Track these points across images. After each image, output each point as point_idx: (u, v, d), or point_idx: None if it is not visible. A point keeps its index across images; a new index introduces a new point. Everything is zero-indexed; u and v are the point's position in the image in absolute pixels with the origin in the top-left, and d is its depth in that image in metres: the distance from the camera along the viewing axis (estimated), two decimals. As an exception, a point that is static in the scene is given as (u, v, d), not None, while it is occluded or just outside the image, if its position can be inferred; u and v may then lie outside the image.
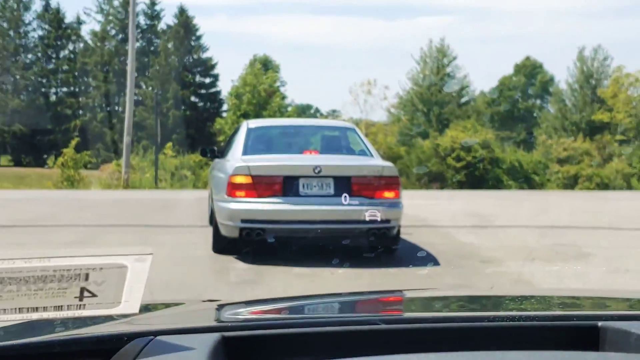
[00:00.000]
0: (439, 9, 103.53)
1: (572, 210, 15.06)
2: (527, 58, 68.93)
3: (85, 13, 72.56)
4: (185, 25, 58.45)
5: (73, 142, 27.23)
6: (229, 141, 10.21)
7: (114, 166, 31.05)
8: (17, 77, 56.09)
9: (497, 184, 31.54)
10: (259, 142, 9.16)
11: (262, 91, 38.96)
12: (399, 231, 8.38)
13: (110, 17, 59.97)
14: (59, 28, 58.45)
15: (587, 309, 1.97)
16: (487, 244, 9.82)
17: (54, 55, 59.24)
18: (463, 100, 52.76)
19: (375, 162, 8.61)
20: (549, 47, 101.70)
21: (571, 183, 32.90)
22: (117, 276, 0.87)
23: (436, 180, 30.82)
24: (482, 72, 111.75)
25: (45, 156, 55.97)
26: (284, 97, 56.02)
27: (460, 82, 51.93)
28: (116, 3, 60.06)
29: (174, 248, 9.05)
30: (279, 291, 6.59)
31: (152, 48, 59.73)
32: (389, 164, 8.73)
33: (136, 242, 9.58)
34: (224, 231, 8.11)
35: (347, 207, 7.84)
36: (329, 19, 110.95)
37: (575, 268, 8.06)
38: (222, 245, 8.35)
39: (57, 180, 26.76)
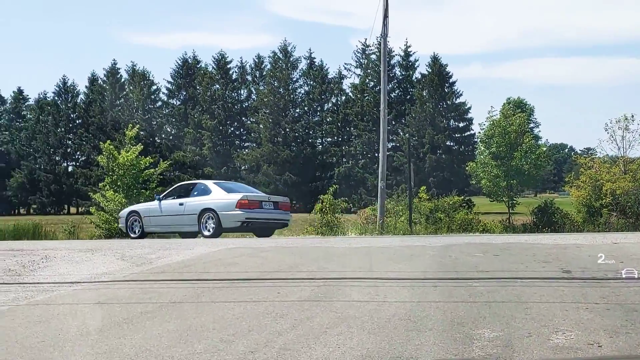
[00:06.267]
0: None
1: None
2: None
3: (345, 68, 74.07)
4: (438, 73, 57.69)
5: (331, 189, 26.92)
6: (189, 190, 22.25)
7: (369, 211, 30.39)
8: (287, 130, 57.93)
9: None
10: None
11: (512, 132, 36.80)
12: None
13: (369, 71, 60.58)
14: (323, 83, 59.89)
15: None
16: None
17: (318, 109, 60.80)
18: None
19: (284, 198, 22.18)
20: None
21: None
22: None
23: None
24: None
25: (312, 201, 57.21)
26: (536, 138, 53.07)
27: None
28: (373, 57, 60.59)
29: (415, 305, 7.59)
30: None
31: (407, 97, 59.48)
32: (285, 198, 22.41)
33: (374, 298, 8.23)
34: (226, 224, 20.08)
35: (276, 214, 20.72)
36: (578, 60, 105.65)
37: None
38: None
39: (317, 225, 26.48)
